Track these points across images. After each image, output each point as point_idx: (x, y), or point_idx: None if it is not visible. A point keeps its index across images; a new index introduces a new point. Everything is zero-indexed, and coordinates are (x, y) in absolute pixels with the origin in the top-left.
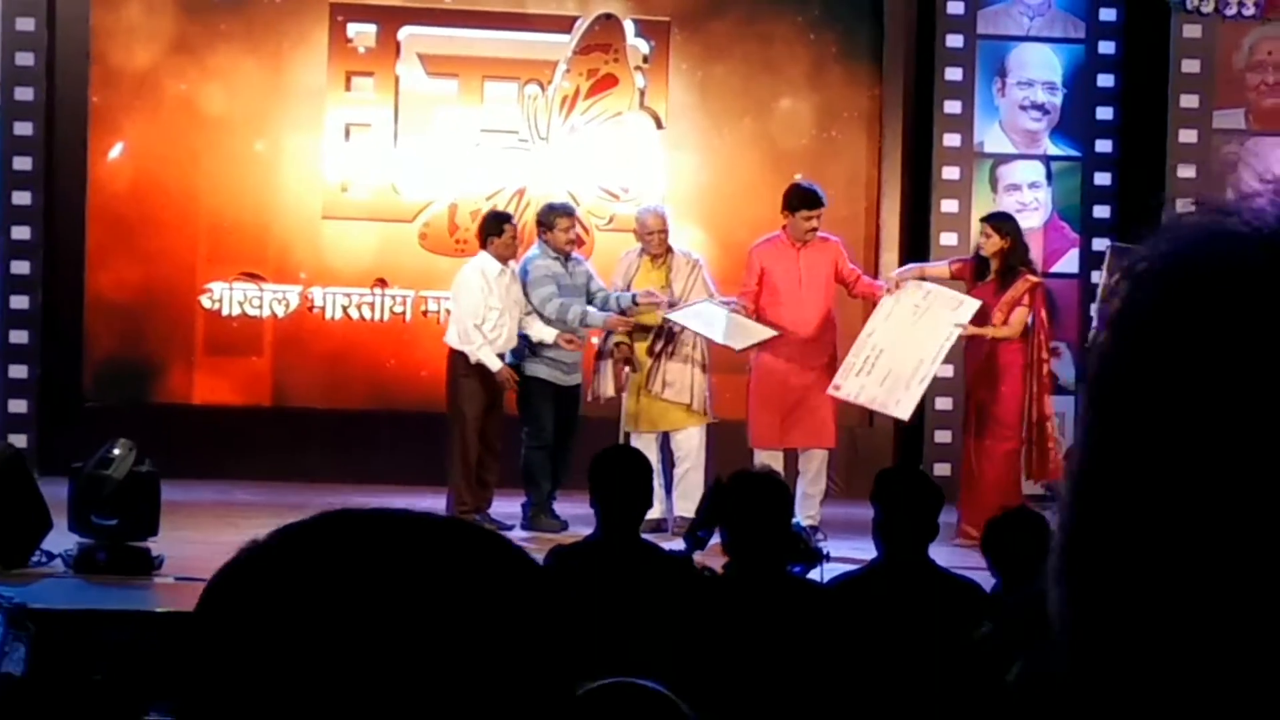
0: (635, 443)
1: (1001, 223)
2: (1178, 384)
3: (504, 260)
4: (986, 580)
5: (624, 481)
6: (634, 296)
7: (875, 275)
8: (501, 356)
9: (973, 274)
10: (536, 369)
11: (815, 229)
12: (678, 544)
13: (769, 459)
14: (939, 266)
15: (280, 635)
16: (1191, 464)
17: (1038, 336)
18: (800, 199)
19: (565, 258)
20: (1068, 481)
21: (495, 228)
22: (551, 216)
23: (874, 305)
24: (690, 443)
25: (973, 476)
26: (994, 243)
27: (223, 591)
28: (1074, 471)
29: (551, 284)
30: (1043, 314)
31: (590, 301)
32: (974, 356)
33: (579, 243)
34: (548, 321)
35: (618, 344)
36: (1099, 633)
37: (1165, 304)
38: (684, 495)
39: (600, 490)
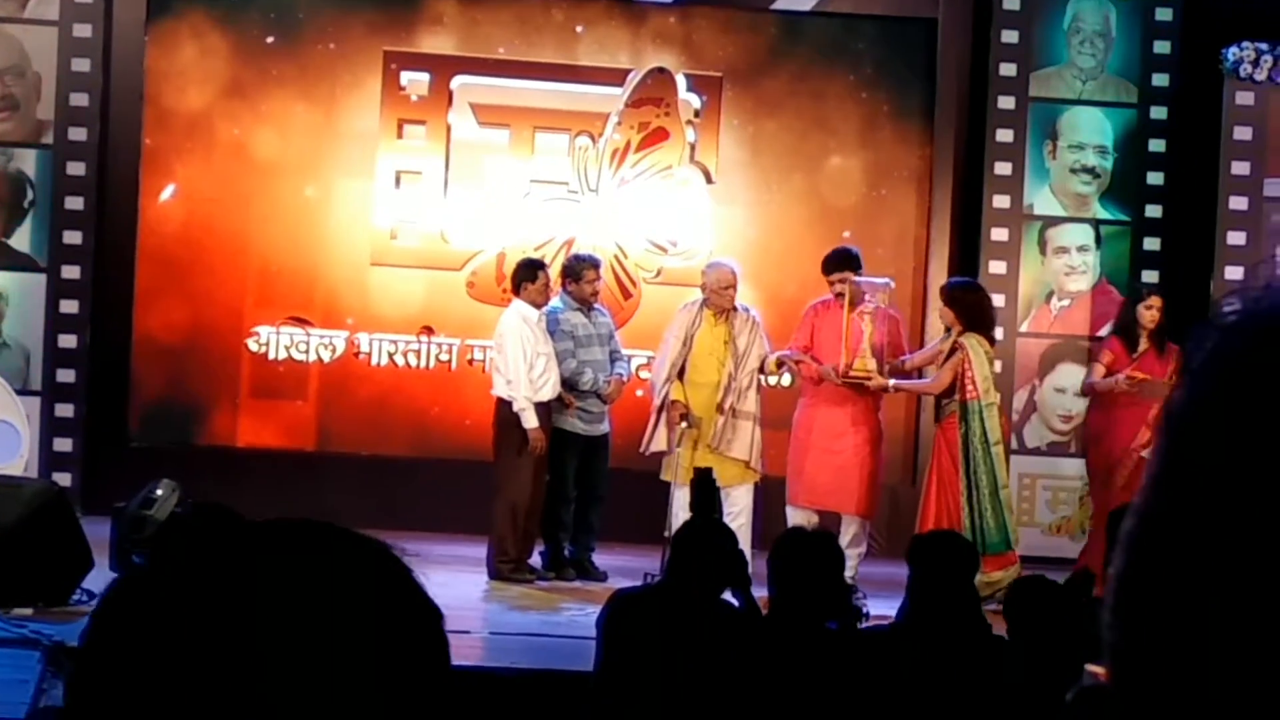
0: (678, 494)
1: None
2: (1260, 433)
3: (538, 306)
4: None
5: (707, 559)
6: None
7: (922, 332)
8: (548, 403)
9: (1123, 348)
10: (562, 420)
11: (842, 293)
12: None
13: (803, 517)
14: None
15: (154, 643)
16: (1261, 509)
17: None
18: (825, 264)
19: (588, 308)
20: (1132, 516)
21: (530, 274)
22: (579, 267)
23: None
24: (744, 499)
25: None
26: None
27: (113, 598)
28: (1144, 504)
29: (568, 340)
30: None
31: (613, 357)
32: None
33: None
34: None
35: (673, 401)
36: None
37: (1252, 356)
38: None
39: (681, 559)
